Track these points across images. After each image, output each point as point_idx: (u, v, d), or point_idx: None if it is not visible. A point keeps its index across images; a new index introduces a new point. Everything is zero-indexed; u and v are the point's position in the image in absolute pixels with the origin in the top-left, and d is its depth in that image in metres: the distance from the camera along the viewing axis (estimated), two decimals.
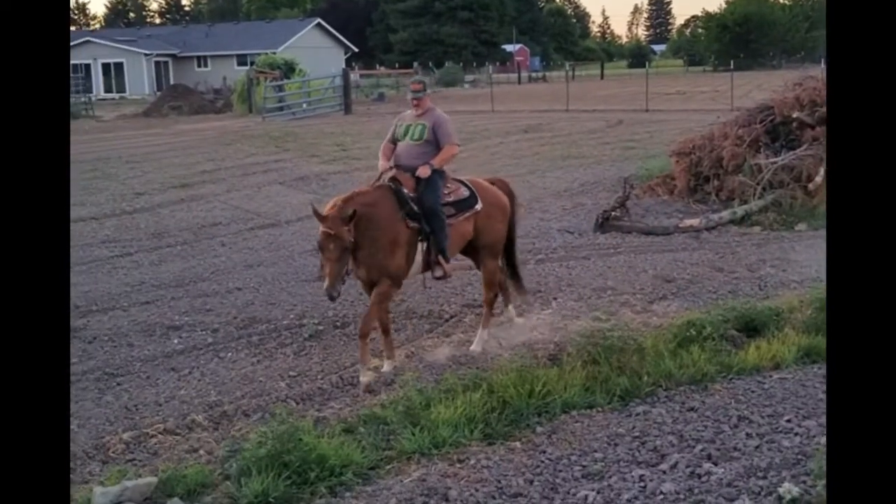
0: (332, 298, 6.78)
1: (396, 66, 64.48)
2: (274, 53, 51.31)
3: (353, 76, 49.82)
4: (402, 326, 8.45)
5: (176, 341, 8.33)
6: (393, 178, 7.17)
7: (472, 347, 7.61)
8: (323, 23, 67.09)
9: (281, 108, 39.08)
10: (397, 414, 5.83)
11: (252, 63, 46.98)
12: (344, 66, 52.05)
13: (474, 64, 78.56)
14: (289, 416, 5.76)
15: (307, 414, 6.20)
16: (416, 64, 47.49)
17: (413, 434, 5.57)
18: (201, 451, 5.82)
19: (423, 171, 7.16)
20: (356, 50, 69.75)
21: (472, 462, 5.38)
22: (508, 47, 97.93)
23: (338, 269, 6.57)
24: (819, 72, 19.48)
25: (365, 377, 6.89)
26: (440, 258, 7.26)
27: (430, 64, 67.77)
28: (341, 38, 67.66)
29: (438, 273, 7.42)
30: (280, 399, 6.59)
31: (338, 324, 8.51)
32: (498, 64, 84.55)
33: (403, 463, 5.38)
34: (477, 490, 4.97)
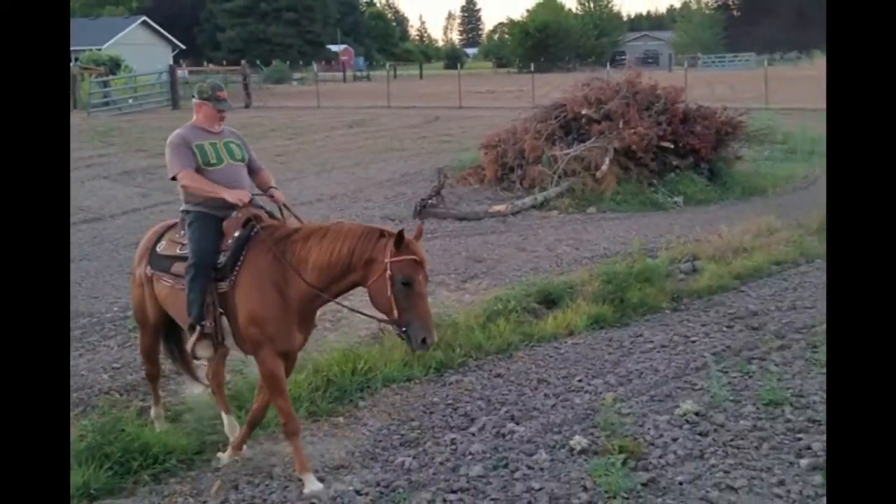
0: None
1: (224, 63, 62.47)
2: (99, 50, 48.55)
3: (181, 73, 47.72)
4: None
5: None
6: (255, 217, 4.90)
7: None
8: (149, 20, 64.03)
9: (106, 104, 36.81)
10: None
11: (77, 59, 44.23)
12: (171, 62, 49.80)
13: (301, 63, 77.19)
14: (111, 408, 5.50)
15: (131, 405, 5.87)
16: (243, 62, 45.96)
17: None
18: None
19: (281, 196, 5.17)
20: (183, 47, 67.11)
21: None
22: (333, 47, 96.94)
23: None
24: (605, 73, 20.35)
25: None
26: None
27: (258, 62, 66.08)
28: (168, 35, 64.94)
29: None
30: (103, 391, 6.19)
31: None
32: (324, 63, 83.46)
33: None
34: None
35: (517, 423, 5.44)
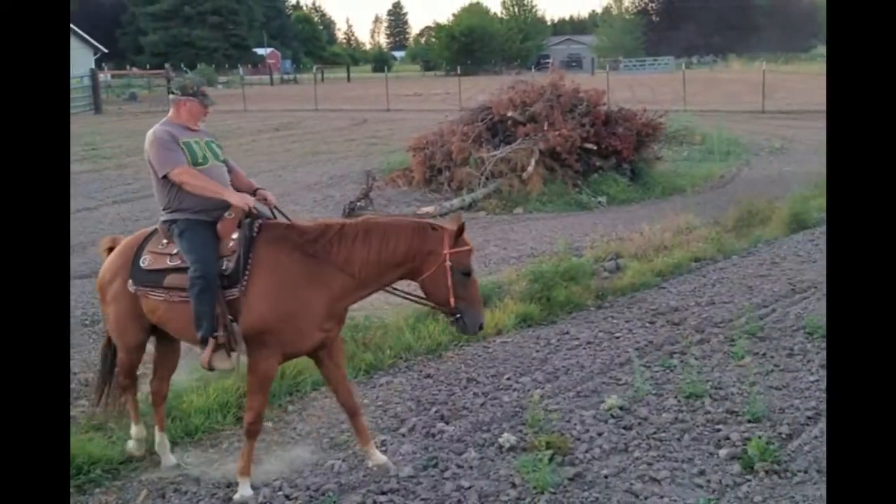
0: None
1: (147, 67, 61.13)
2: None
3: (104, 76, 46.52)
4: None
5: None
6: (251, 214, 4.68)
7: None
8: (70, 24, 62.40)
9: None
10: (148, 406, 5.49)
11: None
12: (93, 66, 48.44)
13: (226, 66, 76.04)
14: None
15: None
16: (167, 65, 45.05)
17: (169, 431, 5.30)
18: None
19: (272, 198, 4.96)
20: (106, 51, 65.32)
21: (225, 446, 5.22)
22: (259, 51, 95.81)
23: None
24: (530, 76, 20.55)
25: None
26: None
27: (183, 65, 64.81)
28: (89, 38, 63.16)
29: None
30: None
31: (87, 322, 7.85)
32: (250, 66, 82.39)
33: (156, 454, 5.11)
34: (229, 471, 4.81)
35: (447, 423, 5.44)
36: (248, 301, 4.46)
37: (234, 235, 4.57)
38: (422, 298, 4.75)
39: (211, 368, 4.62)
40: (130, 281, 4.69)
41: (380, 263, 4.49)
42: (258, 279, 4.47)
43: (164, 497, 4.65)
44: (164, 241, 4.69)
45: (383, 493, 4.53)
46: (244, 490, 4.56)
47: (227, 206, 4.60)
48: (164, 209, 4.70)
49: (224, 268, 4.48)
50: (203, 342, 4.51)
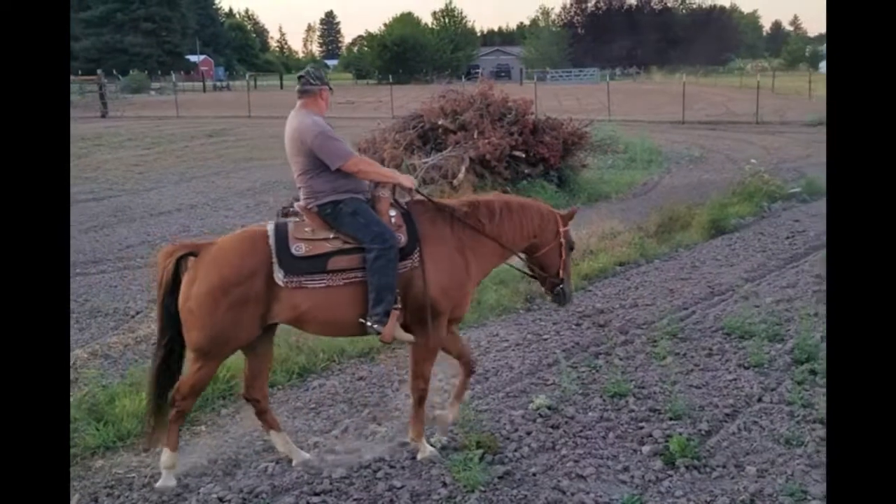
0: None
1: (80, 73, 59.43)
2: None
3: None
4: (87, 325, 7.78)
5: None
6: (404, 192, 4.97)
7: None
8: None
9: None
10: (81, 412, 5.34)
11: None
12: None
13: (159, 73, 74.57)
14: None
15: None
16: (99, 71, 43.89)
17: (97, 429, 5.16)
18: None
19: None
20: None
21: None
22: (192, 58, 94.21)
23: None
24: (460, 86, 20.64)
25: None
26: None
27: (115, 72, 63.20)
28: None
29: None
30: None
31: None
32: (183, 73, 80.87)
33: (88, 459, 4.98)
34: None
35: (379, 424, 5.41)
36: (426, 272, 4.60)
37: (392, 213, 4.68)
38: (533, 271, 5.30)
39: (393, 340, 4.66)
40: (281, 273, 4.42)
41: (521, 236, 5.01)
42: (430, 251, 4.66)
43: (96, 501, 4.52)
44: (309, 227, 4.57)
45: (316, 494, 4.49)
46: (424, 451, 4.87)
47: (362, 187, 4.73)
48: (317, 194, 4.64)
49: (401, 242, 4.60)
50: (385, 316, 4.49)
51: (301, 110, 4.82)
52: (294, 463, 4.81)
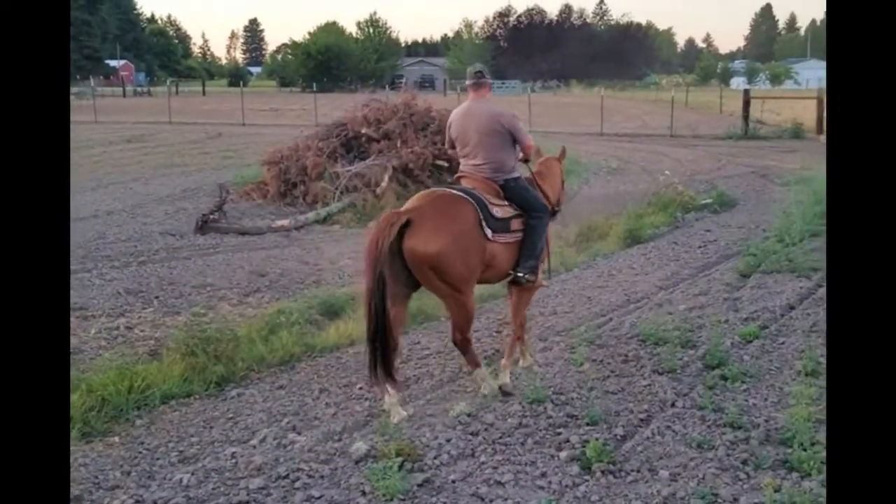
0: None
1: None
2: None
3: None
4: None
5: None
6: None
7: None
8: None
9: None
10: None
11: None
12: None
13: (78, 77, 72.33)
14: None
15: None
16: None
17: None
18: None
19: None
20: None
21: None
22: (112, 62, 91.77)
23: None
24: (384, 95, 20.58)
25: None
26: None
27: None
28: None
29: None
30: None
31: None
32: (102, 78, 78.71)
33: None
34: (72, 488, 4.50)
35: (299, 434, 5.31)
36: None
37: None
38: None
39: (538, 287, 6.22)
40: (489, 230, 5.52)
41: (556, 196, 6.63)
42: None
43: None
44: (493, 196, 5.74)
45: None
46: (503, 378, 6.01)
47: None
48: (506, 170, 5.87)
49: None
50: (536, 267, 5.90)
51: (479, 99, 5.96)
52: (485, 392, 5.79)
